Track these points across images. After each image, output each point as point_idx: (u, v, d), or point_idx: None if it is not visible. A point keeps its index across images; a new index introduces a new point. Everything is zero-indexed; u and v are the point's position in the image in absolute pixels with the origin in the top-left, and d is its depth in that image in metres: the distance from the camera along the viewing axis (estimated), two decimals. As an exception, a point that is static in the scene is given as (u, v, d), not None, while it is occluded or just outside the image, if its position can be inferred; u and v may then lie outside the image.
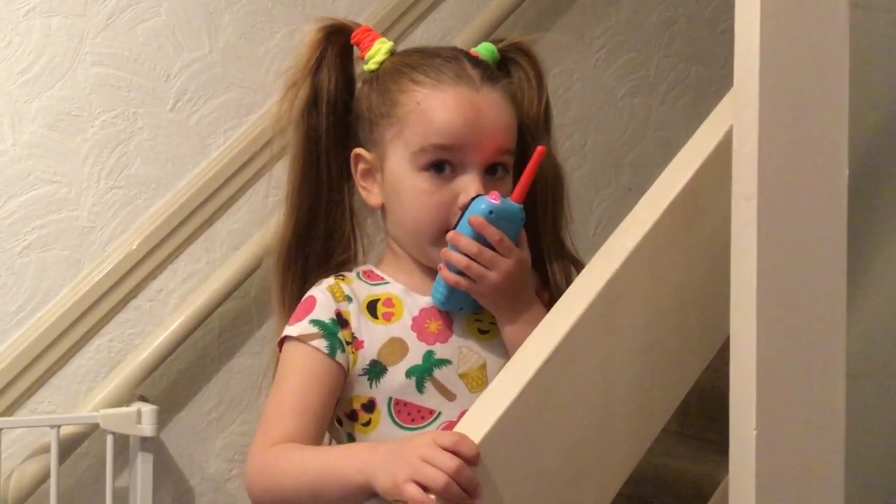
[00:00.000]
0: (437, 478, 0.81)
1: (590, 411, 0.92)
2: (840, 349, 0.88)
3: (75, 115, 1.61)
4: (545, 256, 1.10)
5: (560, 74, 2.00)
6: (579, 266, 1.11)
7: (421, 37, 1.85)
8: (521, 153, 1.07)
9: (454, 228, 1.01)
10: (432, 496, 0.81)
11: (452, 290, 1.02)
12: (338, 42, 1.09)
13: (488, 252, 0.99)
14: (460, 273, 1.00)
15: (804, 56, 0.87)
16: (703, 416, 1.45)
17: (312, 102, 1.08)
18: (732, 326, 0.88)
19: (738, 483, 0.87)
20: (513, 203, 1.00)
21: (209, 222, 1.67)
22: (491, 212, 0.99)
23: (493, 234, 0.99)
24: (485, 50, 1.10)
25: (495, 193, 0.99)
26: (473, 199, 1.00)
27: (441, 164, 1.02)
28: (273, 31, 1.74)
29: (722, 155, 0.94)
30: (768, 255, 0.85)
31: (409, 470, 0.83)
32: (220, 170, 1.67)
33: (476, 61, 1.07)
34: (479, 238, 0.99)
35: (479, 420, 0.85)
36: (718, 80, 2.12)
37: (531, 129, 1.10)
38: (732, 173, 0.88)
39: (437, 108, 1.02)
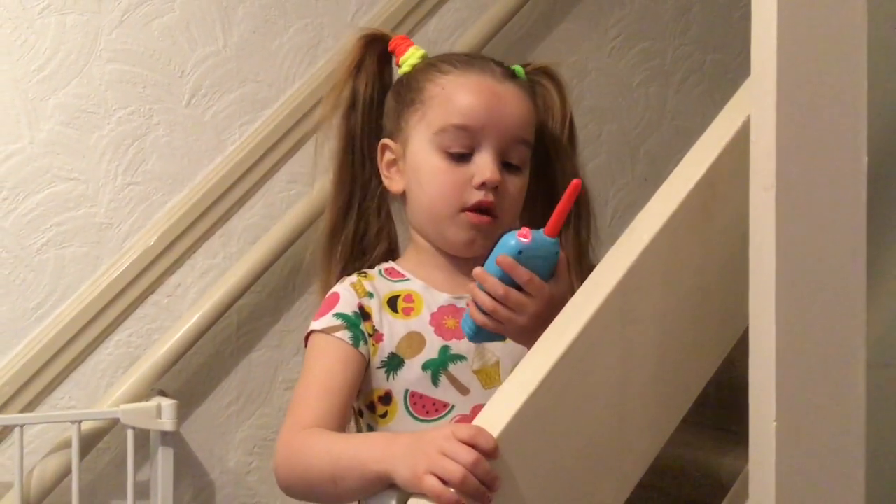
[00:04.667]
0: (455, 471, 0.81)
1: (608, 403, 0.92)
2: (860, 338, 0.87)
3: (91, 111, 1.61)
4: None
5: (575, 64, 1.99)
6: None
7: (435, 27, 1.85)
8: (545, 168, 1.13)
9: (482, 266, 0.97)
10: (451, 489, 0.82)
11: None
12: (376, 50, 1.16)
13: (515, 295, 0.95)
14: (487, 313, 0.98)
15: (822, 45, 0.86)
16: (722, 406, 1.44)
17: (351, 105, 1.14)
18: (752, 317, 0.87)
19: (758, 474, 0.87)
20: (546, 238, 0.95)
21: (226, 217, 1.68)
22: (520, 252, 0.94)
23: (521, 275, 0.95)
24: (514, 70, 1.15)
25: (525, 230, 0.95)
26: (502, 235, 0.96)
27: (461, 154, 1.06)
28: (287, 25, 1.74)
29: (740, 145, 0.94)
30: (787, 245, 0.84)
31: (428, 462, 0.83)
32: (235, 164, 1.67)
33: (501, 63, 1.13)
34: (508, 277, 0.95)
35: (497, 413, 0.85)
36: (735, 68, 2.10)
37: (555, 145, 1.14)
38: (750, 163, 0.87)
39: (459, 91, 1.07)
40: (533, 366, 0.88)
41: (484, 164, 1.05)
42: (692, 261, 0.97)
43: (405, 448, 0.87)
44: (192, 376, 1.65)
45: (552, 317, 0.97)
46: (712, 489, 1.38)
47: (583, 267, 1.12)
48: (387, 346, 1.05)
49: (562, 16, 1.99)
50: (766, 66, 0.85)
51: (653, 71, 2.08)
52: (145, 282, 1.62)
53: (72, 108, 1.60)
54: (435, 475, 0.82)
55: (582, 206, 1.14)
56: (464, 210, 1.06)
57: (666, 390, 0.96)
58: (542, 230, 0.96)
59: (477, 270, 0.98)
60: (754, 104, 0.87)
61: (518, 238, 0.94)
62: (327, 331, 1.05)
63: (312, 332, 1.06)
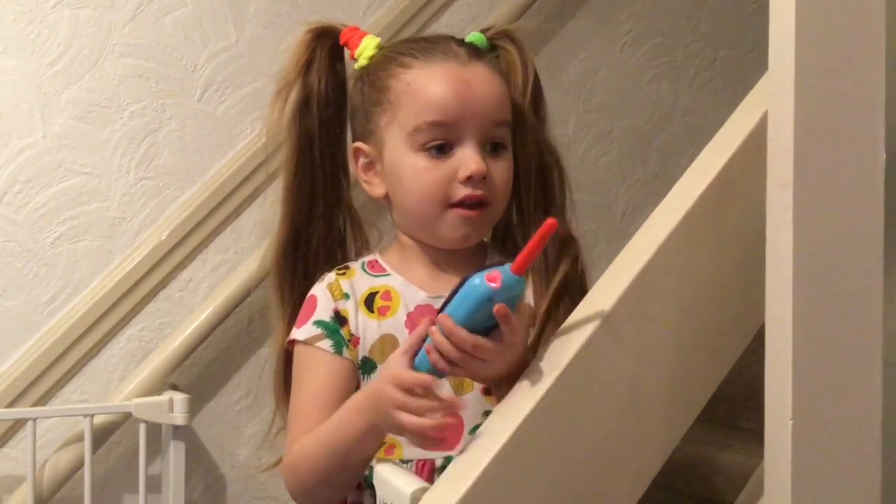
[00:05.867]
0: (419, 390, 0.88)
1: (623, 401, 0.92)
2: (877, 337, 0.87)
3: (104, 106, 1.62)
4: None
5: (586, 60, 1.99)
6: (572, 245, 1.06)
7: (447, 23, 1.85)
8: (512, 135, 1.06)
9: (441, 310, 0.89)
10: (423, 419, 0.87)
11: None
12: (326, 44, 1.10)
13: (489, 347, 0.88)
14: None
15: (840, 40, 0.86)
16: (734, 404, 1.44)
17: (304, 104, 1.08)
18: (768, 315, 0.87)
19: (773, 472, 0.87)
20: (513, 276, 0.87)
21: (237, 212, 1.68)
22: (490, 298, 0.86)
23: (511, 326, 0.88)
24: (475, 38, 1.10)
25: (495, 273, 0.87)
26: (466, 279, 0.88)
27: (440, 146, 1.01)
28: (298, 21, 1.73)
29: (756, 141, 0.94)
30: (804, 243, 0.84)
31: (391, 402, 0.88)
32: (247, 159, 1.68)
33: (461, 41, 1.07)
34: (478, 319, 0.88)
35: (514, 409, 0.85)
36: (746, 64, 2.10)
37: (517, 112, 1.07)
38: (767, 161, 0.87)
39: (427, 86, 1.02)
40: (549, 362, 0.88)
41: (468, 158, 0.99)
42: (708, 258, 0.97)
43: (369, 401, 0.92)
44: (203, 371, 1.66)
45: (515, 357, 0.92)
46: (724, 487, 1.38)
47: (561, 237, 1.04)
48: (361, 351, 1.04)
49: (573, 11, 1.99)
50: (784, 61, 0.84)
51: (664, 67, 2.07)
52: (157, 276, 1.62)
53: (85, 102, 1.61)
54: (404, 410, 0.87)
55: (545, 173, 1.09)
56: (451, 206, 1.01)
57: (681, 388, 0.96)
58: (508, 267, 0.87)
59: (442, 318, 0.88)
60: (772, 100, 0.86)
61: (487, 283, 0.87)
62: (309, 342, 1.03)
63: (295, 341, 1.04)
